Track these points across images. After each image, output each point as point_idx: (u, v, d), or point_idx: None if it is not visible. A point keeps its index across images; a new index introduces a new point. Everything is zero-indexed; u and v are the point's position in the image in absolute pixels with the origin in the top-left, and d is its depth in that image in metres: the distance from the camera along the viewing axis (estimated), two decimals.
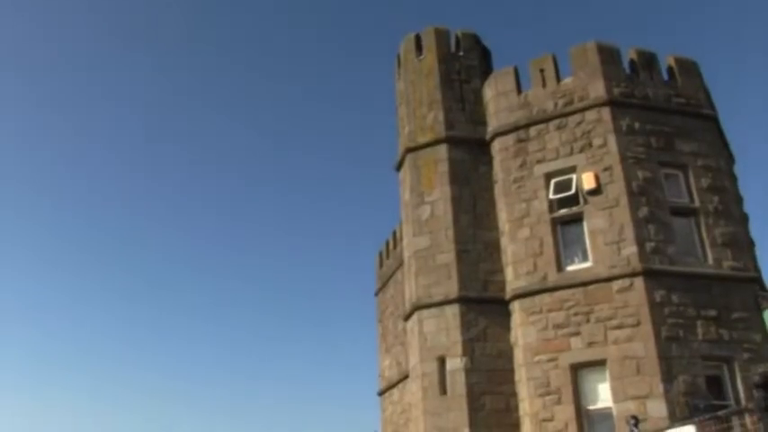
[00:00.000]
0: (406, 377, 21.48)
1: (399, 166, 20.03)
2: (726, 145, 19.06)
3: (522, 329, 16.27)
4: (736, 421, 11.72)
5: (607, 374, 14.90)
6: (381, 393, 28.49)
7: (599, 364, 15.07)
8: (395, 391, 26.16)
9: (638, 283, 15.12)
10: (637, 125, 16.83)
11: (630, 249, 15.42)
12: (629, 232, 15.60)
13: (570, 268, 16.26)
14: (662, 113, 17.30)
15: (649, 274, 15.17)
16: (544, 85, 18.16)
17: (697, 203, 16.51)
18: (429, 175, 18.60)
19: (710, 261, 15.98)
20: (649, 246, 15.50)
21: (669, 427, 12.80)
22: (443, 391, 16.59)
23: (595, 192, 16.31)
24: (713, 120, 18.15)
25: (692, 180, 16.73)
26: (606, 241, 15.83)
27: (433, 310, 17.37)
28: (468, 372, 16.46)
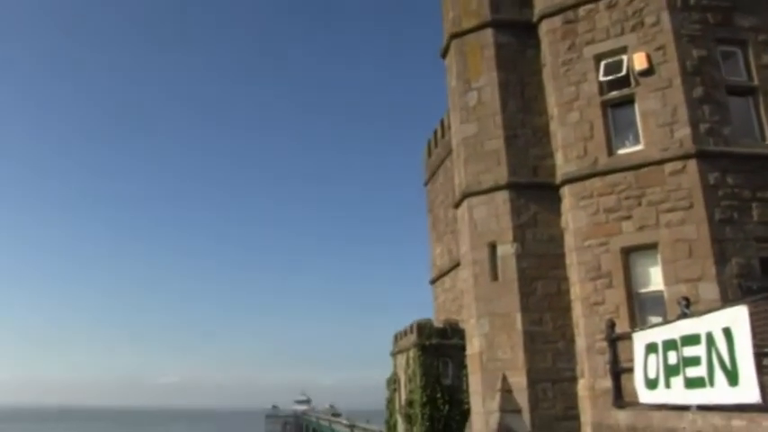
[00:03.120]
0: (458, 265, 21.81)
1: (445, 53, 19.62)
2: None
3: (573, 214, 16.21)
4: None
5: (659, 258, 14.85)
6: (433, 282, 29.06)
7: (650, 247, 15.00)
8: (447, 278, 26.64)
9: (692, 165, 14.80)
10: (692, 0, 16.07)
11: (684, 131, 15.02)
12: (683, 113, 15.15)
13: (621, 152, 15.96)
14: None
15: (703, 156, 14.81)
16: None
17: (756, 82, 15.84)
18: (475, 60, 18.21)
19: None
20: (703, 127, 15.06)
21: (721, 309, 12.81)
22: (495, 277, 16.81)
23: (647, 72, 15.76)
24: None
25: (751, 57, 15.99)
26: (658, 123, 15.43)
27: (483, 197, 17.40)
28: (520, 257, 16.59)
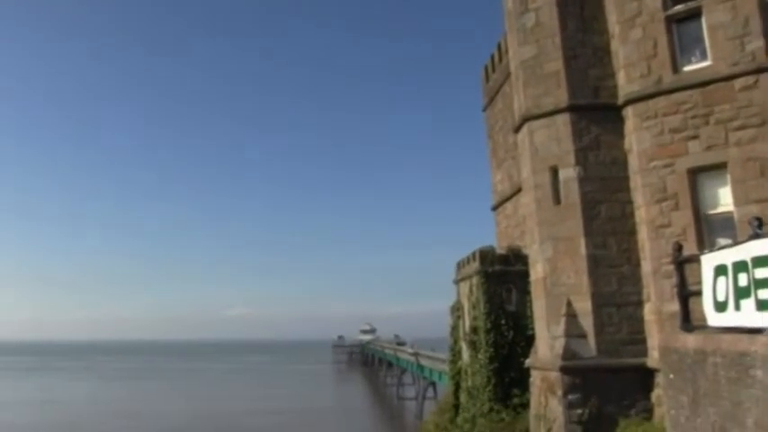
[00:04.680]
0: (519, 190, 21.61)
1: None
2: None
3: (637, 135, 15.77)
4: None
5: (728, 178, 14.38)
6: (495, 208, 28.88)
7: (719, 167, 14.51)
8: (508, 204, 26.44)
9: (764, 79, 14.12)
10: None
11: (756, 44, 14.30)
12: (755, 24, 14.39)
13: (687, 69, 15.33)
14: None
15: None
16: None
17: None
18: None
19: None
20: None
21: None
22: (557, 201, 16.60)
23: None
24: None
25: None
26: (728, 36, 14.72)
27: (544, 121, 17.08)
28: (582, 180, 16.32)
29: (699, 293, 12.13)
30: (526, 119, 17.47)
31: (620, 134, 16.33)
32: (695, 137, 14.79)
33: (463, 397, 23.69)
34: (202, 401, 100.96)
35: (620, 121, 16.32)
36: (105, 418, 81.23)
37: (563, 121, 16.73)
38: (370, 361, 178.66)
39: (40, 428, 70.49)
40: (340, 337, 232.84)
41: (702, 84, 14.83)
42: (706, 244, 14.24)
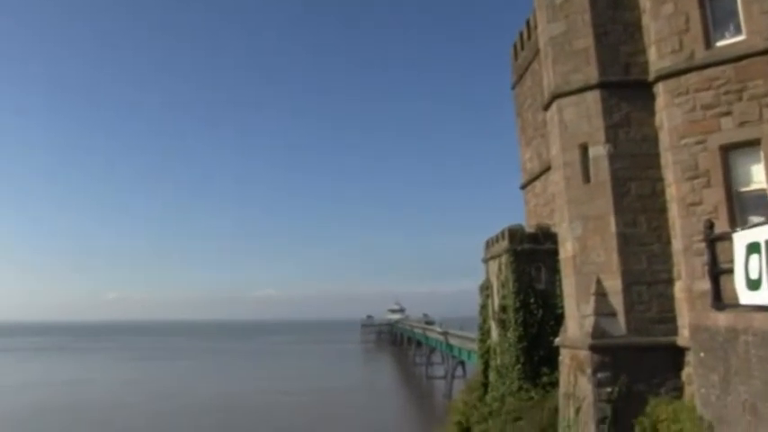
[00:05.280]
0: (548, 169, 21.48)
1: None
2: None
3: (668, 112, 15.56)
4: None
5: (761, 154, 14.11)
6: (524, 186, 28.75)
7: (752, 144, 14.25)
8: (537, 183, 26.30)
9: None
10: None
11: None
12: None
13: (720, 44, 15.04)
14: None
15: None
16: None
17: None
18: None
19: None
20: None
21: None
22: (587, 179, 16.49)
23: None
24: None
25: None
26: (763, 10, 14.36)
27: (573, 98, 16.93)
28: (612, 158, 16.17)
29: (730, 271, 12.03)
30: (555, 96, 17.33)
31: (651, 111, 16.13)
32: (728, 113, 14.55)
33: (492, 375, 23.74)
34: (230, 381, 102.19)
35: (651, 97, 16.12)
36: (135, 397, 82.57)
37: (593, 98, 16.57)
38: (398, 340, 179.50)
39: (72, 409, 71.79)
40: (369, 317, 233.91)
41: (736, 59, 14.56)
42: (738, 222, 14.06)
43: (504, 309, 22.26)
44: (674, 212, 15.33)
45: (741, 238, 11.72)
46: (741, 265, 11.58)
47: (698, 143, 14.87)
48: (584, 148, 16.57)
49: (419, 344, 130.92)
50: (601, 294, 15.87)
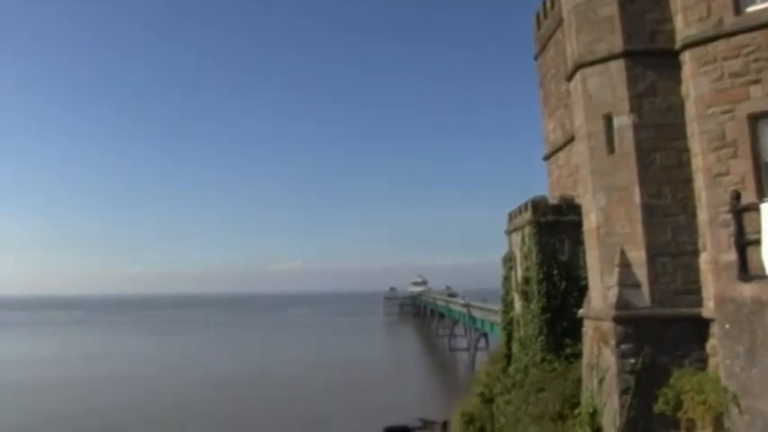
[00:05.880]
0: (572, 139, 21.30)
1: None
2: None
3: (694, 81, 15.29)
4: None
5: None
6: (547, 158, 28.56)
7: None
8: (560, 154, 26.10)
9: None
10: None
11: None
12: None
13: (750, 9, 14.66)
14: None
15: None
16: None
17: None
18: None
19: None
20: None
21: None
22: (611, 149, 16.31)
23: None
24: None
25: None
26: None
27: (597, 67, 16.68)
28: (637, 128, 15.96)
29: (757, 242, 11.91)
30: (579, 66, 17.09)
31: (677, 80, 15.86)
32: (757, 81, 14.25)
33: (515, 347, 23.77)
34: (255, 354, 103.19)
35: (677, 66, 15.84)
36: (158, 370, 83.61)
37: (617, 67, 16.32)
38: (421, 312, 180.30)
39: (94, 382, 72.86)
40: (391, 289, 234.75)
41: (766, 25, 14.25)
42: (766, 192, 13.85)
43: (527, 280, 22.22)
44: (699, 183, 15.13)
45: None
46: None
47: (725, 112, 14.61)
48: (608, 119, 16.37)
49: (442, 316, 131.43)
50: (625, 266, 15.76)
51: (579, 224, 18.56)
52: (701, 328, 14.98)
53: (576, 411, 17.07)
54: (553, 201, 22.80)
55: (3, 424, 53.01)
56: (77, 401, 61.06)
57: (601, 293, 16.29)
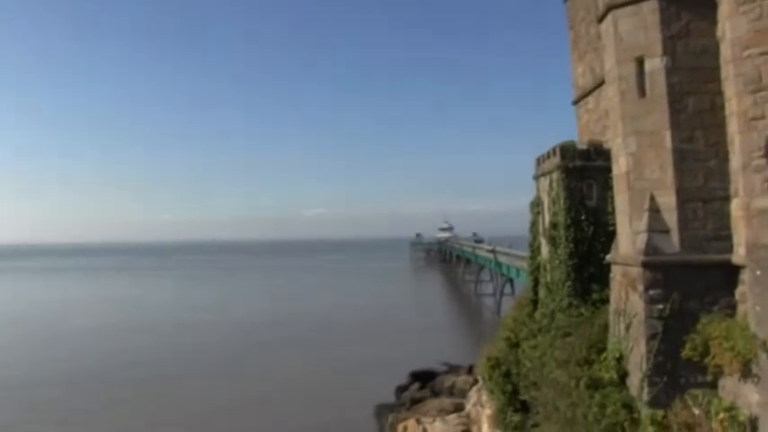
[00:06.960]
0: (602, 83, 20.93)
1: None
2: None
3: (731, 21, 14.81)
4: None
5: None
6: (576, 102, 28.15)
7: None
8: (590, 98, 25.70)
9: None
10: None
11: None
12: None
13: None
14: None
15: None
16: None
17: None
18: None
19: None
20: None
21: None
22: (642, 93, 15.98)
23: None
24: None
25: None
26: None
27: (630, 8, 16.23)
28: (669, 71, 15.58)
29: None
30: (610, 7, 16.66)
31: (712, 21, 15.41)
32: None
33: (542, 292, 23.74)
34: (287, 298, 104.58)
35: (713, 6, 15.36)
36: (191, 316, 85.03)
37: (650, 7, 15.88)
38: (448, 258, 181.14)
39: (126, 330, 74.32)
40: (418, 235, 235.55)
41: None
42: None
43: (554, 226, 22.08)
44: (733, 127, 14.79)
45: None
46: None
47: (763, 54, 14.16)
48: (639, 62, 16.01)
49: (468, 262, 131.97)
50: (654, 211, 15.58)
51: (608, 169, 18.33)
52: (730, 274, 14.82)
53: (603, 356, 17.08)
54: (582, 146, 22.50)
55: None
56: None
57: (629, 239, 16.15)
